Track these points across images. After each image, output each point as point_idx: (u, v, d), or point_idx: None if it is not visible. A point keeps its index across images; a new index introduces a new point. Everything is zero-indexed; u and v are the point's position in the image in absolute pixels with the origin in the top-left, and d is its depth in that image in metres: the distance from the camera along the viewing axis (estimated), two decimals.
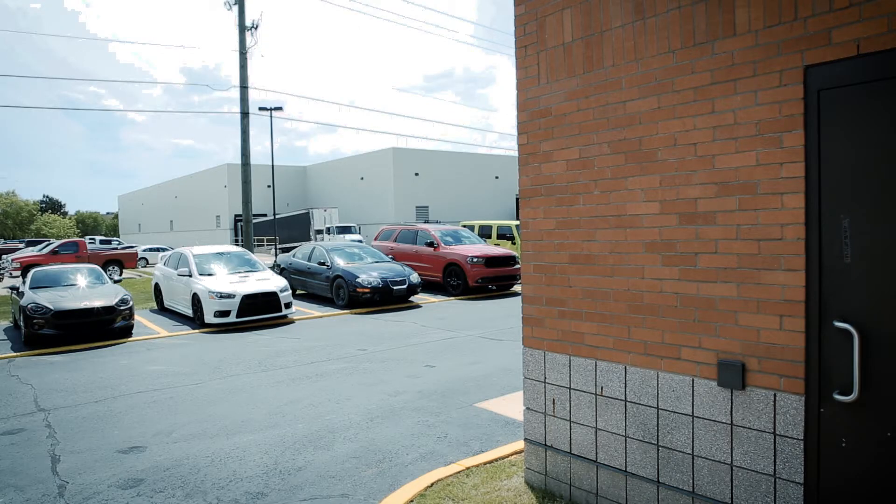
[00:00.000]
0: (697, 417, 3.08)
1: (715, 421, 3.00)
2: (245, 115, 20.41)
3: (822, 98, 2.59)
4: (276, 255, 30.40)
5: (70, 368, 8.41)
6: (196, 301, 11.84)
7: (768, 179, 2.76)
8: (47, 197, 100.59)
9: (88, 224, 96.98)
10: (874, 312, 2.50)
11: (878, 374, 2.50)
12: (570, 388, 3.71)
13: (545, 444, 3.89)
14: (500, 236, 22.44)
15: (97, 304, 10.42)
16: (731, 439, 2.95)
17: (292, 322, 11.97)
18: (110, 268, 23.97)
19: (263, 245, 40.08)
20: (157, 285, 14.61)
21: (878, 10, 2.41)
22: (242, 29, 20.45)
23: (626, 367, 3.40)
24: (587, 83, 3.50)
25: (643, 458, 3.34)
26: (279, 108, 29.42)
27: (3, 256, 27.75)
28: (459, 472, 4.37)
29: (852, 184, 2.54)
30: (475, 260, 15.22)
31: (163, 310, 14.08)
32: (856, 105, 2.52)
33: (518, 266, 15.28)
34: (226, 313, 11.35)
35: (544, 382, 3.87)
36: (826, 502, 2.67)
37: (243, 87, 20.26)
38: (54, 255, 22.70)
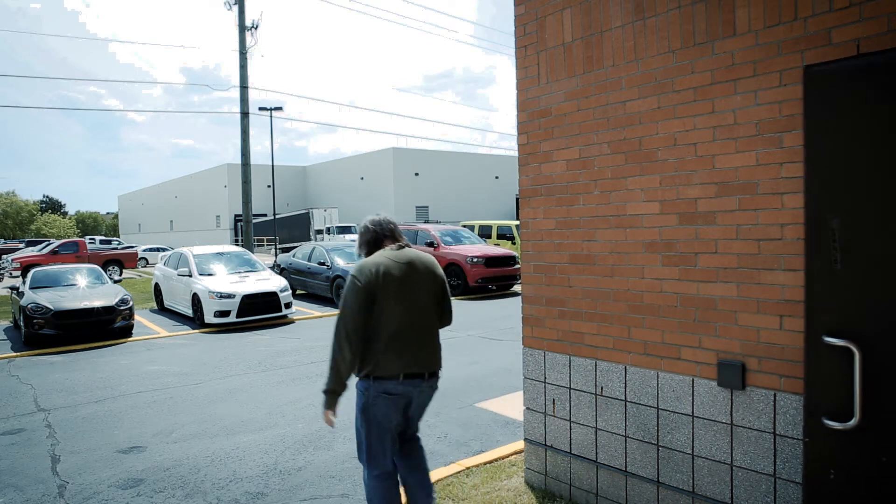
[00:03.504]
0: (697, 417, 3.08)
1: (715, 421, 3.00)
2: (245, 115, 20.41)
3: (822, 98, 2.58)
4: (276, 255, 30.40)
5: (70, 368, 8.41)
6: (196, 301, 11.84)
7: (768, 179, 2.76)
8: (47, 197, 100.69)
9: (88, 224, 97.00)
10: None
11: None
12: (570, 388, 3.71)
13: (545, 444, 3.89)
14: (500, 236, 22.44)
15: (97, 304, 10.42)
16: (731, 439, 2.95)
17: (292, 322, 11.97)
18: (110, 268, 23.97)
19: (263, 245, 40.07)
20: (157, 285, 14.61)
21: (878, 10, 2.41)
22: (242, 29, 20.44)
23: (626, 367, 3.40)
24: (587, 83, 3.50)
25: (643, 458, 3.34)
26: (279, 108, 29.42)
27: (3, 256, 27.76)
28: (459, 472, 4.37)
29: (853, 184, 2.53)
30: (475, 260, 15.21)
31: (163, 310, 14.08)
32: (856, 105, 2.52)
33: (518, 266, 15.27)
34: (226, 313, 11.35)
35: (544, 382, 3.87)
36: (826, 502, 2.67)
37: (243, 87, 20.26)
38: (54, 256, 22.70)
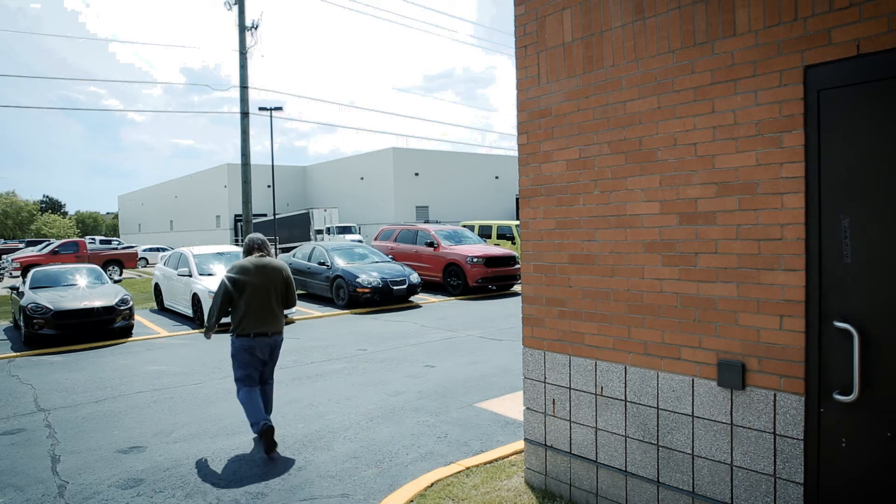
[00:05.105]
0: (697, 417, 3.08)
1: (715, 421, 3.00)
2: (245, 115, 20.40)
3: (822, 98, 2.59)
4: (276, 255, 30.40)
5: (70, 368, 8.41)
6: (196, 301, 11.84)
7: (768, 179, 2.76)
8: (47, 197, 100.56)
9: (88, 224, 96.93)
10: (874, 313, 2.50)
11: (877, 375, 2.50)
12: (570, 388, 3.71)
13: (545, 444, 3.89)
14: (500, 236, 22.44)
15: (97, 304, 10.42)
16: (731, 439, 2.95)
17: (292, 322, 11.97)
18: (110, 268, 23.98)
19: None
20: (157, 285, 14.61)
21: (878, 10, 2.41)
22: (242, 29, 20.42)
23: (626, 367, 3.40)
24: (587, 83, 3.50)
25: (643, 458, 3.34)
26: (279, 108, 29.41)
27: (3, 256, 27.77)
28: (459, 472, 4.37)
29: (853, 184, 2.54)
30: (475, 260, 15.21)
31: (163, 310, 14.08)
32: (856, 105, 2.52)
33: (518, 266, 15.27)
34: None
35: (544, 382, 3.87)
36: (826, 502, 2.67)
37: (243, 87, 20.25)
38: (54, 255, 22.71)
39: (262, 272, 5.04)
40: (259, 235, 5.33)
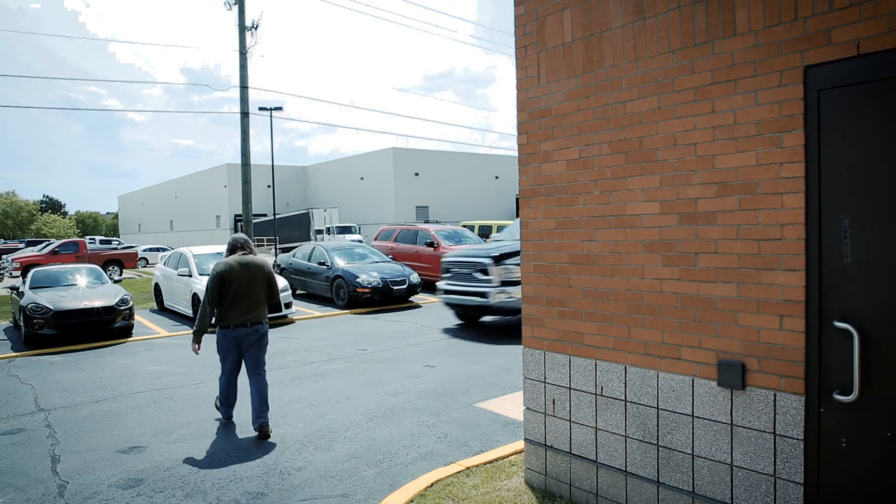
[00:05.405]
0: (697, 417, 3.08)
1: (715, 421, 3.00)
2: (245, 115, 20.39)
3: (822, 98, 2.59)
4: (276, 255, 30.38)
5: (70, 368, 8.41)
6: (196, 301, 11.84)
7: (768, 179, 2.76)
8: (47, 197, 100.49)
9: (88, 224, 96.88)
10: (874, 313, 2.50)
11: (877, 375, 2.50)
12: (570, 388, 3.71)
13: (545, 444, 3.89)
14: None
15: (97, 304, 10.42)
16: (731, 439, 2.95)
17: (292, 322, 11.97)
18: (110, 268, 23.98)
19: (263, 245, 40.06)
20: (157, 285, 14.61)
21: (878, 10, 2.41)
22: (242, 29, 20.41)
23: (626, 367, 3.40)
24: (587, 83, 3.50)
25: (643, 458, 3.34)
26: (279, 108, 29.40)
27: (3, 256, 27.77)
28: (459, 472, 4.37)
29: (853, 184, 2.54)
30: None
31: (163, 310, 14.08)
32: (856, 105, 2.52)
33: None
34: None
35: (544, 382, 3.87)
36: (826, 502, 2.67)
37: (243, 87, 20.24)
38: (54, 255, 22.71)
39: (246, 269, 5.42)
40: (242, 235, 5.76)
